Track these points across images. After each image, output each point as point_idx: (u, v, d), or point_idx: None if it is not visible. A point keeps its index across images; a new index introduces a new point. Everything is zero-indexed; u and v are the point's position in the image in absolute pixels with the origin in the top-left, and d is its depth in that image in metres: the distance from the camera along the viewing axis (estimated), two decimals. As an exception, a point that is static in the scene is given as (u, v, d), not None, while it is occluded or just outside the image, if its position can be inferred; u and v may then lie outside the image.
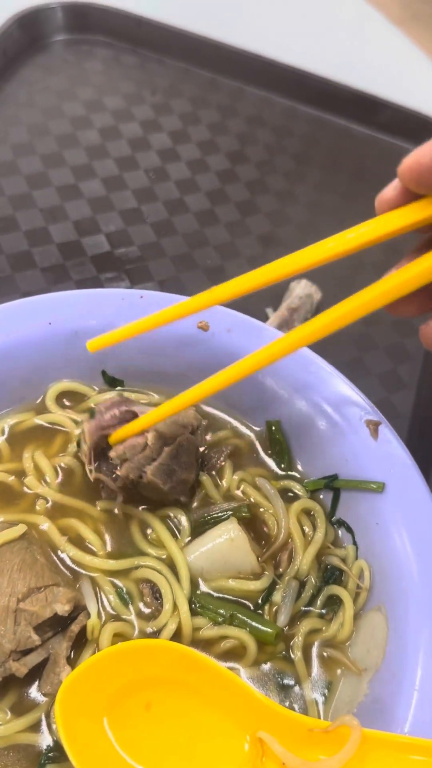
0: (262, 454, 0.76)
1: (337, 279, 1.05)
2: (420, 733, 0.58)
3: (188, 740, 0.60)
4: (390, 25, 1.42)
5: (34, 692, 0.61)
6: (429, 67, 1.35)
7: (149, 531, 0.69)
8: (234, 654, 0.65)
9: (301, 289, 0.97)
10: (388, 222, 0.60)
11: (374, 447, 0.70)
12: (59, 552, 0.67)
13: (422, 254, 0.61)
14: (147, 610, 0.66)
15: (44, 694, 0.61)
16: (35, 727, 0.60)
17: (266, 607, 0.67)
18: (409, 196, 0.59)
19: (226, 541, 0.68)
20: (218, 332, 0.74)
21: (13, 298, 0.72)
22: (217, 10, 1.31)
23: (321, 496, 0.74)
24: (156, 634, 0.64)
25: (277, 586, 0.68)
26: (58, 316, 0.72)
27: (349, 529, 0.72)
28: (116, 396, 0.70)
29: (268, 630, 0.65)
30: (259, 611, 0.67)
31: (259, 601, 0.68)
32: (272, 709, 0.59)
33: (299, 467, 0.76)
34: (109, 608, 0.65)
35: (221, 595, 0.67)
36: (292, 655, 0.66)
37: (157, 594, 0.66)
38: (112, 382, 0.77)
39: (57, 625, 0.62)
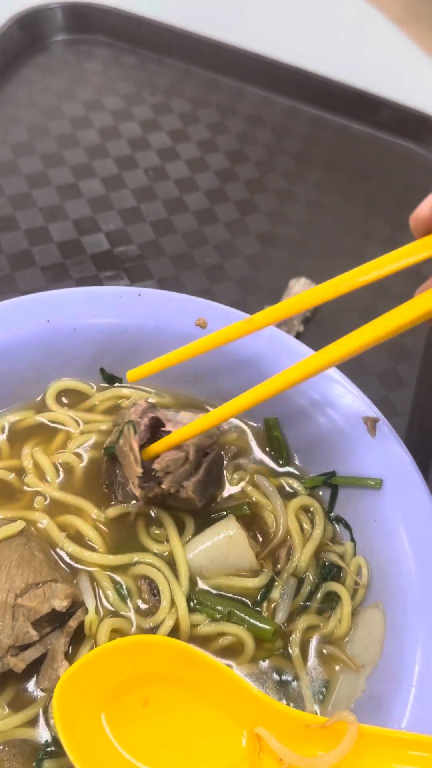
0: (260, 451, 0.76)
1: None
2: (417, 729, 0.58)
3: (186, 736, 0.60)
4: (390, 24, 1.42)
5: (31, 687, 0.61)
6: (429, 67, 1.35)
7: (152, 527, 0.69)
8: (232, 650, 0.65)
9: (300, 287, 0.97)
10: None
11: (372, 444, 0.70)
12: (58, 548, 0.67)
13: None
14: (145, 607, 0.66)
15: (42, 690, 0.61)
16: (33, 723, 0.60)
17: (264, 604, 0.68)
18: None
19: (225, 538, 0.68)
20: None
21: (12, 296, 0.73)
22: (217, 10, 1.31)
23: (320, 493, 0.74)
24: (153, 631, 0.64)
25: (276, 583, 0.68)
26: (57, 314, 0.73)
27: (347, 526, 0.72)
28: (144, 402, 0.69)
29: (266, 627, 0.65)
30: (258, 608, 0.67)
31: (258, 598, 0.68)
32: (270, 705, 0.60)
33: (297, 464, 0.76)
34: (107, 604, 0.65)
35: (219, 592, 0.67)
36: (290, 652, 0.66)
37: (155, 590, 0.66)
38: (110, 380, 0.77)
39: (55, 620, 0.62)
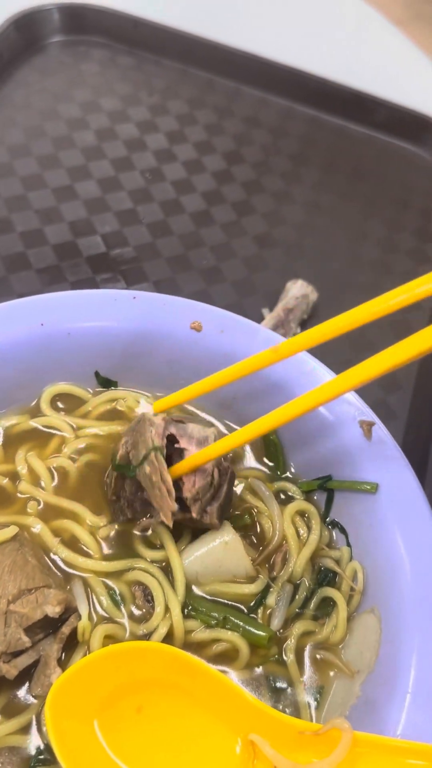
0: (256, 455, 0.76)
1: (334, 279, 1.05)
2: (413, 736, 0.58)
3: (180, 743, 0.60)
4: (388, 24, 1.41)
5: (24, 694, 0.61)
6: (429, 67, 1.35)
7: (149, 532, 0.69)
8: (226, 657, 0.65)
9: (297, 289, 0.97)
10: None
11: (368, 448, 0.70)
12: (51, 554, 0.67)
13: None
14: (139, 613, 0.65)
15: (35, 696, 0.61)
16: (25, 730, 0.60)
17: (260, 611, 0.67)
18: None
19: (221, 544, 0.67)
20: (211, 333, 0.74)
21: (7, 299, 0.72)
22: (213, 10, 1.31)
23: (315, 498, 0.74)
24: (147, 637, 0.64)
25: (271, 589, 0.68)
26: (51, 318, 0.72)
27: (343, 531, 0.71)
28: (161, 420, 0.67)
29: (262, 633, 0.65)
30: (253, 614, 0.67)
31: (253, 605, 0.67)
32: (264, 711, 0.59)
33: (293, 468, 0.75)
34: (100, 610, 0.65)
35: (214, 598, 0.67)
36: (285, 658, 0.65)
37: (149, 597, 0.65)
38: (105, 383, 0.77)
39: (48, 626, 0.61)
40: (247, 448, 0.76)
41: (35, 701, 0.61)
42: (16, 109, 1.14)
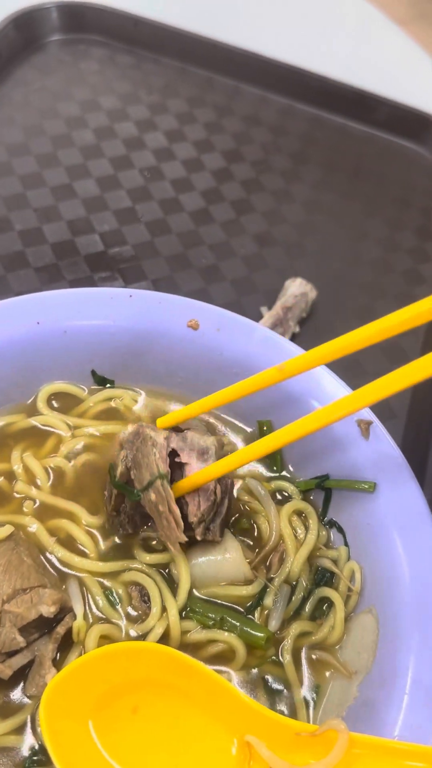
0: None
1: (332, 278, 1.04)
2: (410, 737, 0.57)
3: (175, 744, 0.59)
4: (391, 23, 1.41)
5: (19, 694, 0.61)
6: (430, 65, 1.34)
7: (153, 542, 0.68)
8: (223, 658, 0.65)
9: (296, 287, 0.96)
10: None
11: (366, 447, 0.69)
12: (47, 553, 0.66)
13: None
14: (135, 614, 0.65)
15: (29, 697, 0.60)
16: (20, 730, 0.59)
17: (257, 611, 0.67)
18: None
19: (221, 555, 0.67)
20: (208, 331, 0.73)
21: (5, 298, 0.72)
22: (213, 8, 1.30)
23: (312, 497, 0.73)
24: (143, 637, 0.63)
25: (268, 590, 0.67)
26: (47, 316, 0.72)
27: (341, 530, 0.71)
28: (162, 439, 0.65)
29: (259, 634, 0.64)
30: (250, 615, 0.66)
31: (250, 605, 0.67)
32: (260, 712, 0.59)
33: (290, 468, 0.75)
34: (96, 610, 0.64)
35: (211, 599, 0.67)
36: (282, 659, 0.65)
37: (145, 597, 0.65)
38: (102, 382, 0.76)
39: (43, 626, 0.61)
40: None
41: (30, 701, 0.60)
42: (15, 107, 1.13)
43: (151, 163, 1.11)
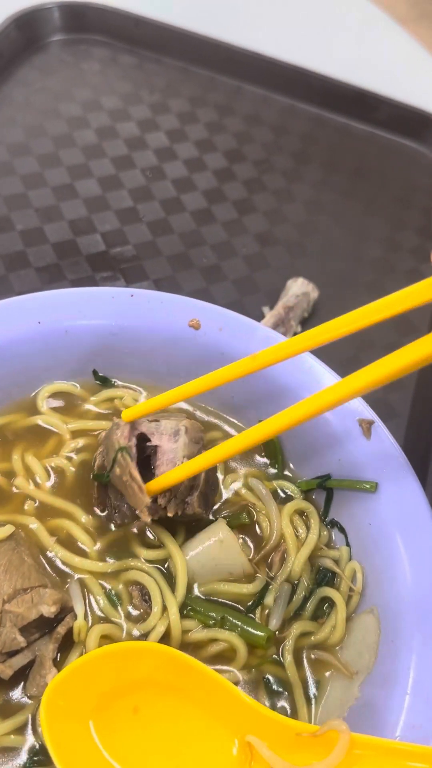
0: (254, 453, 0.75)
1: (334, 277, 1.04)
2: (411, 738, 0.57)
3: (176, 744, 0.59)
4: (393, 23, 1.40)
5: (19, 694, 0.61)
6: (431, 65, 1.34)
7: (145, 534, 0.68)
8: (224, 657, 0.64)
9: (298, 287, 0.96)
10: None
11: (367, 446, 0.69)
12: (48, 552, 0.66)
13: None
14: (136, 613, 0.65)
15: (30, 697, 0.60)
16: (21, 730, 0.59)
17: (258, 610, 0.66)
18: None
19: (216, 543, 0.67)
20: (209, 330, 0.73)
21: (7, 297, 0.72)
22: (215, 8, 1.30)
23: (314, 497, 0.73)
24: (144, 637, 0.63)
25: (270, 588, 0.67)
26: (48, 316, 0.72)
27: (342, 530, 0.71)
28: (125, 422, 0.66)
29: (260, 633, 0.64)
30: (251, 614, 0.66)
31: (251, 604, 0.67)
32: (261, 713, 0.59)
33: (292, 467, 0.75)
34: (96, 610, 0.64)
35: (213, 598, 0.66)
36: (283, 659, 0.65)
37: (146, 596, 0.65)
38: (103, 381, 0.76)
39: (43, 626, 0.61)
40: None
41: (30, 702, 0.60)
42: (16, 107, 1.13)
43: (152, 163, 1.11)
